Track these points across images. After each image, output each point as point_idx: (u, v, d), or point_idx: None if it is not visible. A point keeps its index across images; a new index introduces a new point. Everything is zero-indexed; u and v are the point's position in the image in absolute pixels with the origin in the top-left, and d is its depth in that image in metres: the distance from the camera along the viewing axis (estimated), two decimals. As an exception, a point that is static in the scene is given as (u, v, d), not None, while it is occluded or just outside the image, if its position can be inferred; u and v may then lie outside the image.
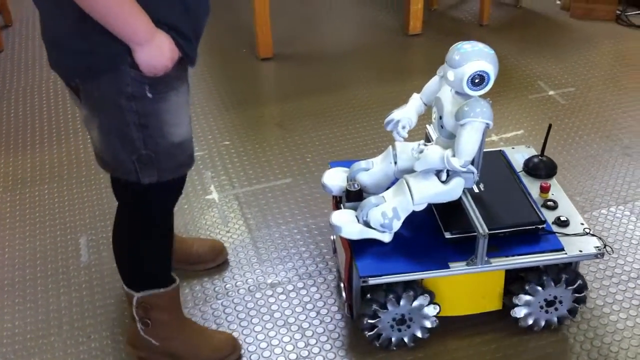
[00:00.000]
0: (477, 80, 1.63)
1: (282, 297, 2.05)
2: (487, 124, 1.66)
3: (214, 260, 2.15)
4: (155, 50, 1.46)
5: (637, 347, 1.88)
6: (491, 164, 1.99)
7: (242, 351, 1.88)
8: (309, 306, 2.02)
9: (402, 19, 3.58)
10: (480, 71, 1.62)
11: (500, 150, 2.10)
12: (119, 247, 1.79)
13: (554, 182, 2.01)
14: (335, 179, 1.93)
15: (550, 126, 2.06)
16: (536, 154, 2.09)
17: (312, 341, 1.92)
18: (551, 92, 3.04)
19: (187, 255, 2.12)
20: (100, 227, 2.32)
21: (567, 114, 2.89)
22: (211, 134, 2.79)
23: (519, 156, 2.09)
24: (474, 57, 1.62)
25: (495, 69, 1.65)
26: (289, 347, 1.90)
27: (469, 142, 1.66)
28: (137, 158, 1.58)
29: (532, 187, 1.98)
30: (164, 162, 1.61)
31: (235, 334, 1.93)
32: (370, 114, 2.91)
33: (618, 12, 3.64)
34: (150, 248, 1.75)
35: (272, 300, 2.04)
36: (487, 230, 1.71)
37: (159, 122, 1.57)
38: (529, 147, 2.15)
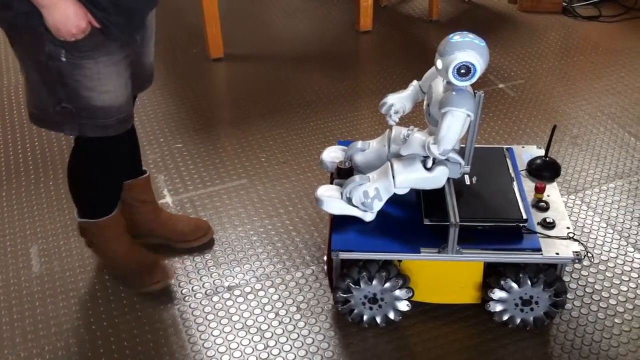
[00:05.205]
0: (463, 71, 1.64)
1: (240, 299, 2.04)
2: (467, 114, 1.67)
3: (197, 240, 2.19)
4: (59, 16, 1.51)
5: (618, 348, 1.89)
6: (492, 159, 2.00)
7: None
8: (267, 308, 2.01)
9: (353, 16, 3.59)
10: (465, 62, 1.63)
11: (509, 148, 2.08)
12: (68, 175, 1.97)
13: (553, 185, 2.00)
14: (333, 156, 1.97)
15: (554, 127, 2.06)
16: (542, 155, 2.08)
17: (272, 343, 1.91)
18: (501, 85, 3.08)
19: (171, 233, 2.17)
20: (51, 235, 2.27)
21: (516, 106, 2.93)
22: (163, 137, 2.75)
23: (526, 156, 2.08)
24: (462, 47, 1.64)
25: (483, 61, 1.65)
26: (248, 350, 1.89)
27: (449, 130, 1.68)
28: (60, 109, 1.67)
29: (530, 187, 1.98)
30: (85, 119, 1.70)
31: (192, 339, 1.91)
32: (323, 110, 2.90)
33: (565, 4, 3.70)
34: (86, 183, 1.94)
35: (229, 303, 2.03)
36: (458, 220, 1.73)
37: (76, 84, 1.65)
38: (539, 147, 2.13)
